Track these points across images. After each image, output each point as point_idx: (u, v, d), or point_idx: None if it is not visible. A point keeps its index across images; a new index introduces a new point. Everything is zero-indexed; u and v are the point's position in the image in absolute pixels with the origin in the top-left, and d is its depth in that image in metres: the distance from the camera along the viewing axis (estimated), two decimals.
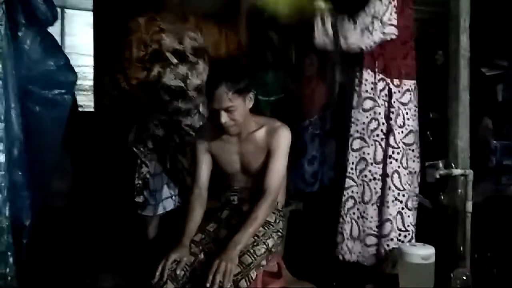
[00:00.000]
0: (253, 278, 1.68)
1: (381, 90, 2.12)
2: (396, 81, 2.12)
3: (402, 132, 2.12)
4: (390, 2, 2.04)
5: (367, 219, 2.14)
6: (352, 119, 2.16)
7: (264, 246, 1.75)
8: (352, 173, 2.16)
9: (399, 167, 2.10)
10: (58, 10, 1.87)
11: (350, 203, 2.15)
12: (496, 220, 2.88)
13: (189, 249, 1.73)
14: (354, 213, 2.15)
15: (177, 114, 2.47)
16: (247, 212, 1.78)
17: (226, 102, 1.70)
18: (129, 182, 2.55)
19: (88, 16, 4.39)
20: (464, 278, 1.74)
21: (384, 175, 2.11)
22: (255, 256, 1.69)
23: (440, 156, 2.13)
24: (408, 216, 2.11)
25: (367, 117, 2.13)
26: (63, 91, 1.72)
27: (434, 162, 2.04)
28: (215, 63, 2.45)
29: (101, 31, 3.86)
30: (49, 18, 1.75)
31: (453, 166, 1.99)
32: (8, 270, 1.57)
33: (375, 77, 2.12)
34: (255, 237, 1.73)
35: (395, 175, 2.10)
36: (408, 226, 2.11)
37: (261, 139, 1.82)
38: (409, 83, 2.16)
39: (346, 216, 2.15)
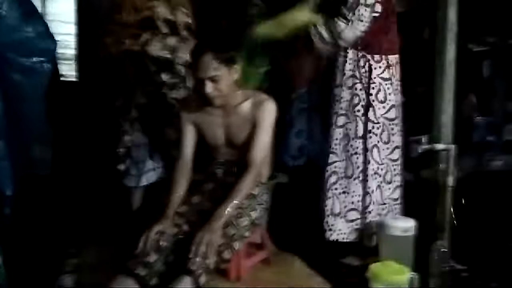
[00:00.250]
0: (237, 249, 1.70)
1: (362, 67, 2.15)
2: (376, 57, 2.16)
3: (384, 107, 2.16)
4: None
5: (349, 193, 2.17)
6: (336, 97, 2.19)
7: (248, 218, 1.77)
8: (336, 149, 2.19)
9: (378, 141, 2.15)
10: None
11: (333, 179, 2.18)
12: (477, 195, 2.94)
13: (173, 221, 1.74)
14: (336, 189, 2.18)
15: (162, 87, 2.43)
16: (231, 184, 1.78)
17: (212, 71, 1.68)
18: (113, 152, 2.52)
19: None
20: (443, 251, 1.78)
21: (365, 150, 2.15)
22: (238, 227, 1.71)
23: (425, 130, 2.16)
24: (386, 190, 2.17)
25: (350, 93, 2.17)
26: (42, 58, 1.66)
27: (418, 137, 2.05)
28: (202, 32, 2.41)
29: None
30: None
31: (436, 141, 2.01)
32: None
33: (357, 55, 2.16)
34: (239, 209, 1.75)
35: (375, 150, 2.15)
36: (386, 199, 2.16)
37: (246, 112, 1.81)
38: (391, 58, 2.19)
39: (329, 192, 2.18)
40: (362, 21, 2.09)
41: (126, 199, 2.57)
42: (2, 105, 1.61)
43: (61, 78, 3.60)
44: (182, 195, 1.83)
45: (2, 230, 1.69)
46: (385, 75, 2.17)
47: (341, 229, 2.17)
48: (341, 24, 2.09)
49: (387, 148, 2.18)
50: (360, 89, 2.16)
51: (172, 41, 2.40)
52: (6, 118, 1.63)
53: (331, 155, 2.19)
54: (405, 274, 1.68)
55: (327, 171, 2.18)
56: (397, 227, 1.90)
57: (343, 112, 2.18)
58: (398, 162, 2.23)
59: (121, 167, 2.50)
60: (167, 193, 1.82)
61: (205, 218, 1.69)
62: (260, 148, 1.79)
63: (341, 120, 2.18)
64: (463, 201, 2.50)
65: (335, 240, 2.17)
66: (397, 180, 2.22)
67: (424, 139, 2.00)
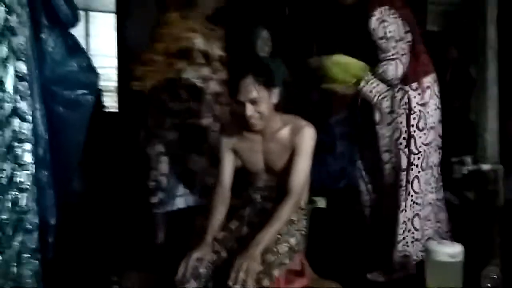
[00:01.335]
0: (276, 276, 1.67)
1: (400, 100, 2.14)
2: (414, 85, 2.13)
3: (424, 134, 2.16)
4: (395, 17, 2.05)
5: (396, 225, 2.19)
6: (378, 134, 2.21)
7: (287, 244, 1.74)
8: (383, 185, 2.24)
9: (419, 172, 2.17)
10: (82, 12, 1.90)
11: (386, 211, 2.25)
12: None
13: (211, 247, 1.73)
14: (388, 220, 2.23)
15: (190, 115, 2.51)
16: (270, 210, 1.77)
17: (252, 93, 1.67)
18: (142, 182, 2.61)
19: (111, 18, 4.46)
20: (495, 276, 1.68)
21: (406, 181, 2.16)
22: (277, 254, 1.69)
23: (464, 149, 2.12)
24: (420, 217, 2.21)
25: (390, 129, 2.18)
26: (85, 91, 1.74)
27: (462, 157, 1.98)
28: (241, 56, 2.46)
29: (123, 33, 3.92)
30: (71, 19, 1.77)
31: (482, 161, 1.93)
32: (37, 268, 1.60)
33: (394, 90, 2.15)
34: (278, 236, 1.72)
35: (415, 181, 2.17)
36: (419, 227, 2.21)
37: (285, 138, 1.80)
38: (427, 80, 2.16)
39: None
40: (404, 55, 2.08)
41: (152, 226, 2.65)
42: (47, 137, 1.68)
43: (104, 109, 3.75)
44: (221, 222, 1.83)
45: (46, 260, 1.73)
46: (424, 100, 2.14)
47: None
48: (390, 67, 2.06)
49: (426, 174, 2.20)
50: (401, 122, 2.14)
51: (206, 71, 2.49)
52: (50, 149, 1.70)
53: (384, 189, 2.24)
54: None
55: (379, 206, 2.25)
56: (444, 252, 1.82)
57: (386, 148, 2.19)
58: (436, 180, 2.26)
59: (155, 199, 2.59)
60: (206, 219, 1.82)
61: (243, 245, 1.68)
62: (300, 174, 1.76)
63: (386, 156, 2.20)
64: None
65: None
66: (431, 198, 2.26)
67: (468, 159, 1.92)
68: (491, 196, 1.88)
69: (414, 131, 2.13)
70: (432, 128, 2.17)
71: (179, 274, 1.64)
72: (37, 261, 1.59)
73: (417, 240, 2.20)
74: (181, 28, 2.44)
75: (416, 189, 2.17)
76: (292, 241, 1.77)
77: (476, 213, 2.11)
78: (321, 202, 2.55)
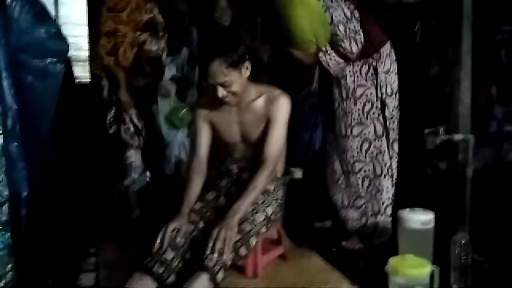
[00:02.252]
0: (253, 245, 1.69)
1: (366, 73, 2.22)
2: (376, 56, 2.22)
3: (394, 99, 2.25)
4: (337, 1, 2.14)
5: (382, 191, 2.26)
6: (347, 110, 2.26)
7: (264, 213, 1.75)
8: (359, 156, 2.26)
9: (397, 134, 2.26)
10: None
11: (366, 183, 2.28)
12: (496, 186, 2.88)
13: (188, 218, 1.73)
14: (371, 190, 2.28)
15: (154, 87, 2.54)
16: (246, 180, 1.77)
17: (222, 77, 1.68)
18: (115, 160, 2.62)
19: None
20: (464, 242, 1.74)
21: (387, 147, 2.24)
22: (254, 223, 1.70)
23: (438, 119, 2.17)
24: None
25: (360, 102, 2.23)
26: (55, 59, 1.68)
27: (435, 128, 2.02)
28: (207, 36, 2.45)
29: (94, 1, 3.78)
30: None
31: (454, 131, 1.97)
32: (9, 240, 1.57)
33: (359, 65, 2.22)
34: (255, 205, 1.73)
35: (395, 143, 2.26)
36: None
37: (260, 108, 1.80)
38: (385, 48, 2.25)
39: (367, 194, 2.28)
40: (357, 31, 2.15)
41: (129, 203, 2.67)
42: (16, 108, 1.63)
43: (74, 80, 3.64)
44: (197, 193, 1.82)
45: (19, 232, 1.71)
46: (386, 67, 2.23)
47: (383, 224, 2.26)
48: (346, 45, 2.14)
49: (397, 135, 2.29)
50: (371, 93, 2.22)
51: (162, 43, 2.50)
52: (20, 120, 1.64)
53: (356, 163, 2.27)
54: (426, 268, 1.65)
55: (359, 177, 2.27)
56: (416, 220, 1.87)
57: (356, 121, 2.25)
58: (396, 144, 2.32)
59: (128, 181, 2.62)
60: (182, 190, 1.82)
61: (220, 215, 1.69)
62: (275, 143, 1.77)
63: (356, 130, 2.25)
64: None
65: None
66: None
67: (441, 130, 1.96)
68: (462, 165, 1.93)
69: (386, 98, 2.22)
70: (395, 93, 2.26)
71: (156, 244, 1.65)
72: (8, 234, 1.56)
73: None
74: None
75: (397, 150, 2.26)
76: (269, 210, 1.78)
77: (447, 182, 2.17)
78: (297, 173, 2.58)
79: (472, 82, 2.05)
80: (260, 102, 1.80)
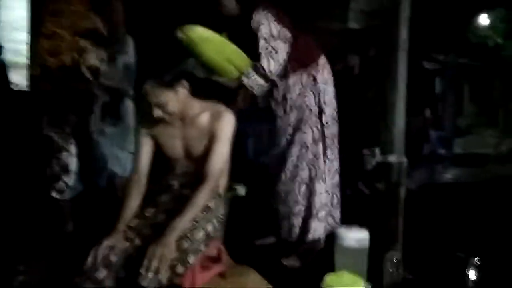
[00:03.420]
0: (191, 262, 1.66)
1: (306, 82, 2.34)
2: (314, 65, 2.36)
3: (329, 107, 2.38)
4: (267, 18, 2.24)
5: (318, 194, 2.33)
6: (289, 120, 2.36)
7: (203, 231, 1.73)
8: (298, 162, 2.35)
9: (330, 141, 2.38)
10: None
11: (303, 188, 2.35)
12: (428, 207, 3.03)
13: (124, 235, 1.68)
14: (307, 194, 2.35)
15: (92, 97, 2.51)
16: (187, 197, 1.74)
17: (155, 97, 1.67)
18: (42, 167, 2.54)
19: None
20: (395, 261, 1.81)
21: (324, 152, 2.35)
22: (193, 240, 1.67)
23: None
24: (330, 179, 2.42)
25: (301, 110, 2.34)
26: None
27: (372, 149, 2.10)
28: (141, 58, 2.48)
29: (36, 6, 3.65)
30: None
31: (389, 153, 2.05)
32: None
33: (300, 76, 2.34)
34: (194, 222, 1.71)
35: (329, 150, 2.38)
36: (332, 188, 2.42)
37: (205, 124, 1.79)
38: (322, 61, 2.40)
39: (303, 200, 2.34)
40: (277, 51, 2.24)
41: (58, 213, 2.58)
42: None
43: (11, 87, 3.46)
44: (134, 209, 1.78)
45: None
46: (324, 78, 2.37)
47: (316, 229, 2.33)
48: (263, 62, 2.22)
49: (333, 144, 2.41)
50: (310, 101, 2.34)
51: (102, 53, 2.50)
52: None
53: (295, 169, 2.34)
54: (360, 285, 1.69)
55: (295, 184, 2.34)
56: (351, 237, 1.93)
57: (297, 129, 2.34)
58: (337, 149, 2.44)
59: (60, 186, 2.54)
60: (116, 205, 1.76)
61: (159, 232, 1.65)
62: (217, 159, 1.76)
63: (297, 137, 2.34)
64: None
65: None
66: (336, 165, 2.44)
67: (377, 151, 2.05)
68: (395, 186, 2.01)
69: (323, 105, 2.35)
70: (332, 102, 2.40)
71: (89, 262, 1.58)
72: None
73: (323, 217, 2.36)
74: (83, 5, 2.40)
75: (330, 157, 2.37)
76: (209, 227, 1.76)
77: (382, 202, 2.25)
78: (240, 190, 2.58)
79: (407, 106, 2.16)
80: (204, 118, 1.80)
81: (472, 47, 4.93)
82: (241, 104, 2.32)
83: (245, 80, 2.25)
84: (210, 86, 2.37)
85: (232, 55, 2.23)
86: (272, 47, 2.23)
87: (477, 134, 4.87)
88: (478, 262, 1.94)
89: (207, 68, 2.25)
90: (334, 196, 2.44)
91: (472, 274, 1.89)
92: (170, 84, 1.69)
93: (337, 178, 2.46)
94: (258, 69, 2.23)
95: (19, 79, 3.91)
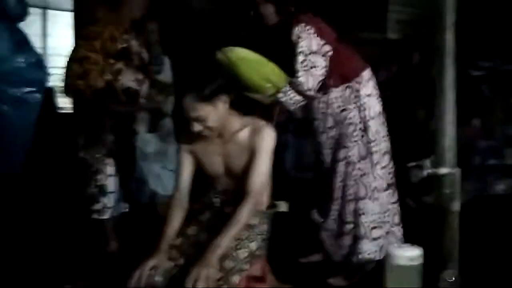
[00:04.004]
0: (235, 282, 1.61)
1: (349, 96, 2.26)
2: (357, 79, 2.27)
3: (375, 122, 2.28)
4: (308, 33, 2.18)
5: (368, 213, 2.23)
6: (333, 136, 2.30)
7: (247, 249, 1.69)
8: (345, 180, 2.26)
9: (379, 158, 2.27)
10: (40, 10, 1.79)
11: (351, 206, 2.25)
12: (481, 220, 2.87)
13: (168, 254, 1.66)
14: (356, 213, 2.25)
15: (128, 118, 2.51)
16: (229, 214, 1.71)
17: (194, 112, 1.65)
18: (81, 190, 2.53)
19: (69, 17, 4.30)
20: (453, 279, 1.69)
21: (371, 168, 2.25)
22: (237, 260, 1.63)
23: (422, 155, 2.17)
24: (386, 196, 2.30)
25: (345, 126, 2.27)
26: (33, 89, 1.64)
27: (420, 161, 2.00)
28: (182, 71, 2.48)
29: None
30: (19, 13, 1.67)
31: (439, 165, 1.95)
32: None
33: (343, 89, 2.27)
34: (238, 240, 1.67)
35: (378, 166, 2.26)
36: (389, 205, 2.31)
37: (245, 139, 1.76)
38: (367, 73, 2.31)
39: (353, 218, 2.25)
40: (316, 67, 2.19)
41: (100, 233, 2.56)
42: None
43: (57, 110, 3.60)
44: (178, 228, 1.76)
45: None
46: (368, 91, 2.28)
47: (366, 250, 2.23)
48: (301, 79, 2.17)
49: (383, 160, 2.29)
50: (354, 116, 2.25)
51: (139, 74, 2.50)
52: None
53: (343, 187, 2.26)
54: None
55: (346, 202, 2.25)
56: (403, 256, 1.82)
57: (341, 146, 2.27)
58: (389, 166, 2.32)
59: (98, 206, 2.51)
60: (159, 225, 1.75)
61: (201, 251, 1.61)
62: (259, 176, 1.72)
63: (342, 154, 2.26)
64: None
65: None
66: (391, 184, 2.31)
67: (427, 163, 1.94)
68: (449, 199, 1.90)
69: (368, 120, 2.25)
70: (378, 116, 2.29)
71: (133, 283, 1.56)
72: None
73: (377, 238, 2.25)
74: (116, 28, 2.41)
75: (381, 174, 2.26)
76: (253, 246, 1.72)
77: (434, 216, 2.13)
78: (282, 206, 2.53)
79: (458, 116, 2.06)
80: (244, 134, 1.77)
81: None
82: (276, 120, 2.29)
83: (281, 97, 2.22)
84: (246, 102, 2.37)
85: (270, 73, 2.20)
86: (311, 62, 2.18)
87: None
88: None
89: (245, 87, 2.22)
90: (394, 214, 2.32)
91: None
92: (210, 98, 1.67)
93: (392, 195, 2.33)
94: (296, 86, 2.20)
95: (66, 102, 4.08)
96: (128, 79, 2.43)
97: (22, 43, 1.65)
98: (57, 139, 3.15)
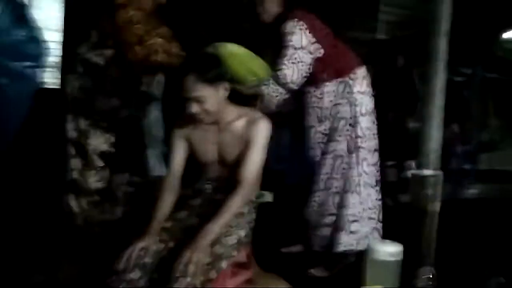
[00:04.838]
0: (223, 268, 1.65)
1: (342, 91, 2.30)
2: (352, 75, 2.31)
3: (366, 119, 2.33)
4: (300, 28, 2.23)
5: (350, 206, 2.28)
6: (323, 130, 2.33)
7: (236, 236, 1.72)
8: (332, 173, 2.31)
9: (366, 154, 2.32)
10: None
11: (336, 199, 2.31)
12: (455, 221, 2.98)
13: (158, 236, 1.68)
14: (339, 205, 2.30)
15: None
16: (220, 201, 1.74)
17: (195, 91, 1.66)
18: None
19: None
20: (430, 276, 1.77)
21: (357, 163, 2.30)
22: (226, 246, 1.67)
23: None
24: (373, 193, 2.37)
25: (335, 120, 2.31)
26: (32, 63, 1.61)
27: (406, 162, 2.08)
28: (187, 51, 2.41)
29: (70, 6, 3.70)
30: None
31: (424, 167, 2.02)
32: None
33: (337, 84, 2.31)
34: (228, 227, 1.70)
35: (365, 162, 2.31)
36: (374, 202, 2.37)
37: (240, 130, 1.78)
38: (362, 71, 2.36)
39: (335, 210, 2.31)
40: (302, 62, 2.23)
41: None
42: None
43: (43, 85, 3.51)
44: (168, 211, 1.78)
45: None
46: (362, 88, 2.32)
47: (346, 243, 2.28)
48: (286, 71, 2.21)
49: (371, 157, 2.35)
50: (345, 111, 2.29)
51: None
52: None
53: (329, 180, 2.31)
54: None
55: (330, 194, 2.30)
56: (384, 251, 1.89)
57: (331, 139, 2.31)
58: (378, 164, 2.39)
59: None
60: (153, 208, 1.76)
61: (191, 235, 1.64)
62: (252, 166, 1.76)
63: (330, 147, 2.31)
64: None
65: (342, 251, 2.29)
66: (379, 181, 2.39)
67: (412, 164, 2.02)
68: (430, 200, 1.98)
69: (359, 117, 2.30)
70: (369, 114, 2.35)
71: (121, 263, 1.58)
72: None
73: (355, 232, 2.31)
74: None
75: (366, 170, 2.30)
76: (241, 233, 1.76)
77: (413, 215, 2.21)
78: (268, 196, 2.57)
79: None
80: (239, 124, 1.79)
81: (498, 61, 4.87)
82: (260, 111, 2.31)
83: (264, 89, 2.24)
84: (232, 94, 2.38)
85: (256, 67, 2.23)
86: (299, 57, 2.22)
87: (502, 149, 4.79)
88: (503, 281, 1.90)
89: (230, 79, 2.24)
90: (379, 211, 2.39)
91: None
92: (212, 80, 1.68)
93: (379, 193, 2.40)
94: (278, 79, 2.23)
95: (49, 78, 3.98)
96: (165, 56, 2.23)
97: (22, 17, 1.62)
98: (42, 116, 3.07)
